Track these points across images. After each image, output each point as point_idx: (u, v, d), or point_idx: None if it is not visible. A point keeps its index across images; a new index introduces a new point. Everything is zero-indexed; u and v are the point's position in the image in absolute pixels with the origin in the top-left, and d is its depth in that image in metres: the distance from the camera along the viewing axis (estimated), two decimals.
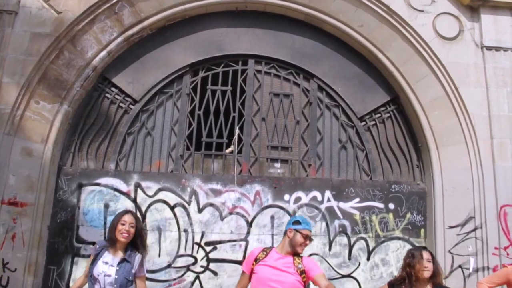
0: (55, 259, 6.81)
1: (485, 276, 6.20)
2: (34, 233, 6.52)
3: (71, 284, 6.63)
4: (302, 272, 4.10)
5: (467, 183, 6.65)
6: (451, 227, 6.60)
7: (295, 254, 4.18)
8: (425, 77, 7.06)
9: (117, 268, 4.27)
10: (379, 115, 7.54)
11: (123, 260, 4.32)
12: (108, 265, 4.28)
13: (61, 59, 6.86)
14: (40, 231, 6.62)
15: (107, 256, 4.34)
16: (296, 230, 4.17)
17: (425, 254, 4.42)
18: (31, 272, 6.47)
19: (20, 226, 6.42)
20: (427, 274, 4.34)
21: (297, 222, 4.25)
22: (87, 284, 4.43)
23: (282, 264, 4.12)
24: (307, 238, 4.16)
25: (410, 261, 4.45)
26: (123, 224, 4.34)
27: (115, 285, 4.22)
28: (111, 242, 4.39)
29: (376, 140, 7.47)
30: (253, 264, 4.18)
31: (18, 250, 6.39)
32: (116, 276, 4.23)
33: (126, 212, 4.49)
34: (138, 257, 4.39)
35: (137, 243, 4.42)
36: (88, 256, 6.17)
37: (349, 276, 6.85)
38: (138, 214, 6.81)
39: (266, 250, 4.25)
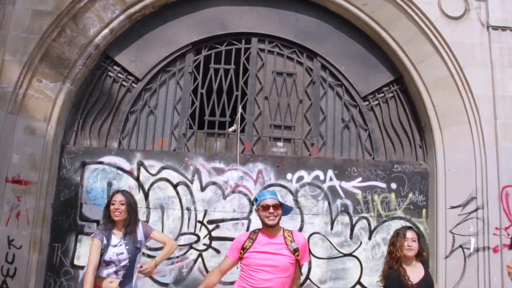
0: (59, 237, 6.88)
1: (485, 257, 6.28)
2: (38, 211, 6.58)
3: (75, 261, 6.72)
4: (296, 251, 4.03)
5: (470, 163, 6.64)
6: (452, 207, 6.62)
7: (284, 230, 4.14)
8: (429, 56, 7.00)
9: (125, 241, 4.49)
10: (382, 94, 7.50)
11: (125, 234, 4.53)
12: (117, 246, 4.48)
13: (63, 37, 6.80)
14: (44, 209, 6.68)
15: (113, 239, 4.52)
16: (257, 208, 4.12)
17: (409, 234, 4.52)
18: (36, 250, 6.55)
19: (24, 204, 6.47)
20: (411, 253, 4.45)
21: (255, 200, 4.21)
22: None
23: (274, 247, 4.05)
24: (267, 207, 4.02)
25: (394, 240, 4.58)
26: (113, 204, 4.55)
27: (129, 255, 4.46)
28: (110, 223, 4.57)
29: (379, 119, 7.44)
30: (240, 253, 4.09)
31: (22, 227, 6.45)
32: (127, 247, 4.47)
33: (116, 192, 4.72)
34: (139, 224, 4.65)
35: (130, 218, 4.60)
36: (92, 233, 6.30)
37: (350, 255, 6.91)
38: (141, 192, 6.89)
39: (252, 237, 4.12)
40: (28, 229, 6.48)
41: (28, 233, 6.48)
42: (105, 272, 4.46)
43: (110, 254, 4.43)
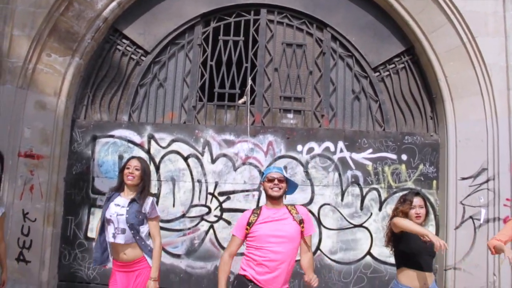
0: (72, 210, 7.01)
1: (495, 228, 6.28)
2: (51, 184, 6.69)
3: (88, 233, 6.82)
4: (301, 222, 4.14)
5: (481, 134, 6.55)
6: (463, 179, 6.57)
7: (286, 205, 4.24)
8: (441, 26, 6.84)
9: (128, 208, 4.47)
10: (393, 65, 7.37)
11: (132, 200, 4.53)
12: (119, 207, 4.49)
13: (71, 10, 6.77)
14: (57, 183, 6.79)
15: (118, 199, 4.56)
16: (262, 182, 4.26)
17: (417, 200, 4.43)
18: (50, 222, 6.69)
19: (37, 178, 6.58)
20: (419, 221, 4.35)
21: (262, 175, 4.41)
22: None
23: (279, 216, 4.14)
24: (273, 179, 4.15)
25: (399, 206, 4.49)
26: (128, 168, 4.57)
27: (128, 224, 4.43)
28: (121, 187, 4.64)
29: (390, 91, 7.34)
30: (247, 229, 4.13)
31: (36, 201, 6.57)
32: (127, 215, 4.43)
33: (132, 157, 4.82)
34: (149, 200, 4.60)
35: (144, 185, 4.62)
36: None
37: (361, 226, 6.93)
38: (152, 165, 6.92)
39: (256, 212, 4.21)
40: (42, 202, 6.59)
41: (42, 206, 6.60)
42: (106, 235, 4.50)
43: (111, 211, 4.47)
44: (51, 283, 6.79)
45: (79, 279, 6.87)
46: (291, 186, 4.31)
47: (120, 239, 4.44)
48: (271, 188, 4.14)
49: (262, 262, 4.04)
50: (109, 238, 4.48)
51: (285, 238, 4.06)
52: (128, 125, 7.10)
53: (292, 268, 4.15)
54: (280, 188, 4.14)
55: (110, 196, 4.60)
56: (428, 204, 4.59)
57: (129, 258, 4.46)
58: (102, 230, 4.57)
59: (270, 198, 4.17)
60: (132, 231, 4.45)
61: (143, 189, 4.60)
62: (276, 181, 4.14)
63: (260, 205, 4.46)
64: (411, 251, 4.33)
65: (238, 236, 4.20)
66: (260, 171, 6.90)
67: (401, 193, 6.74)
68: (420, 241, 4.20)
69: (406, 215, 4.39)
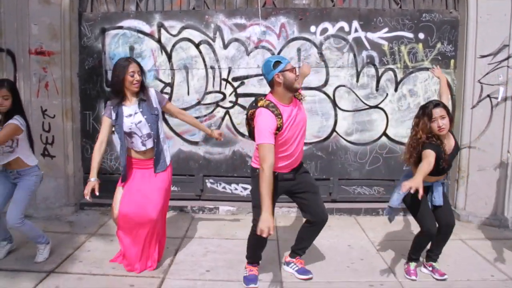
0: (89, 104, 7.08)
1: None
2: (65, 80, 6.68)
3: None
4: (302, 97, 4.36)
5: (505, 8, 6.19)
6: (482, 56, 6.35)
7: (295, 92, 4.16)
8: None
9: (141, 110, 4.43)
10: None
11: (140, 101, 4.46)
12: (132, 116, 4.42)
13: None
14: (71, 79, 6.78)
15: (126, 110, 4.44)
16: (283, 71, 3.96)
17: (437, 112, 4.23)
18: (69, 118, 6.78)
19: (51, 75, 6.57)
20: (444, 132, 4.23)
21: (277, 63, 3.97)
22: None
23: (297, 112, 4.12)
24: (295, 69, 4.02)
25: (419, 121, 4.34)
26: (132, 76, 4.34)
27: (149, 124, 4.44)
28: (121, 97, 4.44)
29: None
30: (275, 133, 3.91)
31: (53, 97, 6.63)
32: (145, 116, 4.43)
33: (129, 62, 4.40)
34: (151, 91, 4.58)
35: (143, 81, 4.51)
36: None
37: (376, 107, 6.89)
38: (164, 54, 6.84)
39: (278, 114, 3.92)
40: (59, 98, 6.65)
41: (59, 102, 6.66)
42: (135, 145, 4.52)
43: (128, 124, 4.40)
44: (77, 175, 7.06)
45: (103, 171, 7.06)
46: None
47: (150, 144, 4.52)
48: (295, 79, 4.00)
49: (284, 155, 4.17)
50: (139, 148, 4.51)
51: (303, 127, 4.20)
52: (136, 15, 6.89)
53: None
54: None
55: (116, 113, 4.43)
56: (449, 112, 4.34)
57: (149, 156, 4.59)
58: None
59: (292, 90, 4.03)
60: (153, 132, 4.49)
61: (142, 84, 4.47)
62: (297, 72, 4.07)
63: (266, 123, 4.00)
64: None
65: (273, 143, 3.89)
66: (273, 54, 6.75)
67: (417, 73, 6.74)
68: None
69: (428, 130, 4.25)
